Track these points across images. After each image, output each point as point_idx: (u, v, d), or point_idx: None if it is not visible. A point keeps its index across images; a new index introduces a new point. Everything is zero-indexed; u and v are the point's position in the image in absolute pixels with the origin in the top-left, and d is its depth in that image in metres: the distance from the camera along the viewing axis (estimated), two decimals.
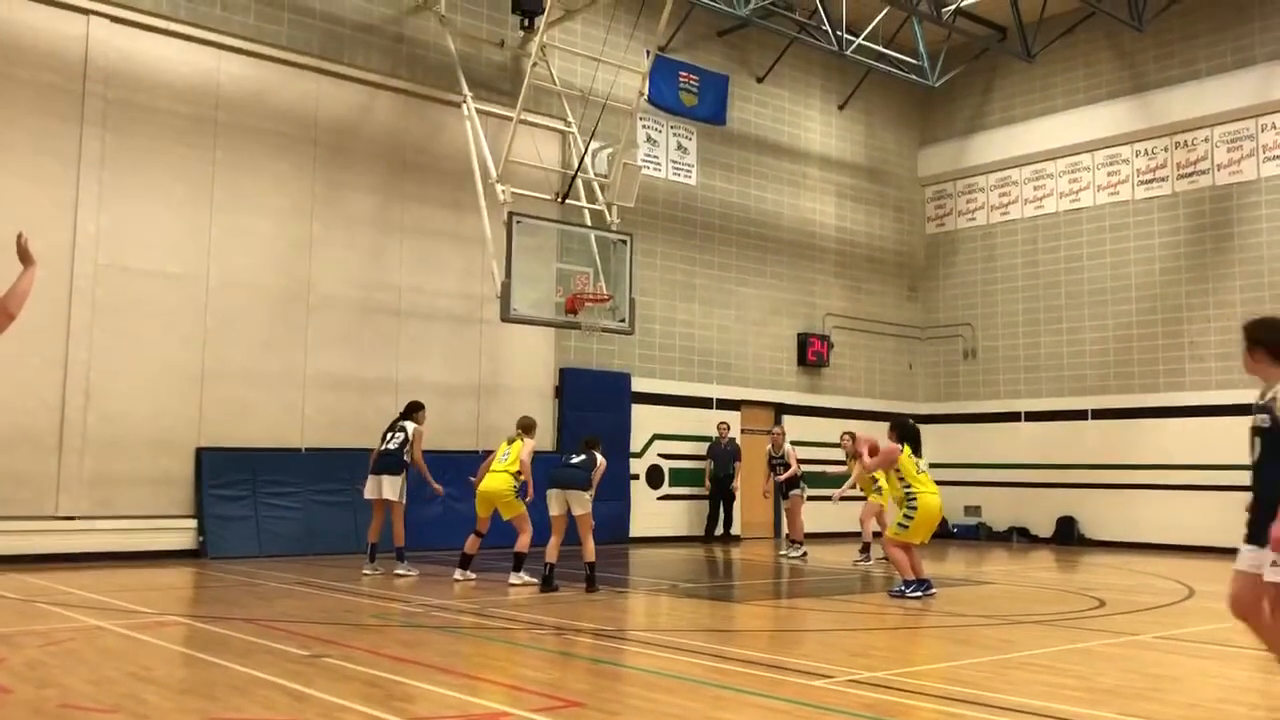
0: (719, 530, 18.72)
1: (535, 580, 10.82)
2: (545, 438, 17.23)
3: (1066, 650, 7.60)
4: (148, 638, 7.47)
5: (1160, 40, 19.66)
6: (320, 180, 15.38)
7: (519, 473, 11.36)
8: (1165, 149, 19.73)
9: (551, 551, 10.77)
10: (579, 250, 15.82)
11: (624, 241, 15.71)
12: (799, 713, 5.34)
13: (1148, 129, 19.85)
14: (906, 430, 10.98)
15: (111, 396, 13.39)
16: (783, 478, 16.03)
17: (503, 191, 15.01)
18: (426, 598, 10.05)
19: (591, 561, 10.74)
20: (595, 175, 16.54)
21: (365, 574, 11.85)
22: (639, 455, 18.29)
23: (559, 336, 17.35)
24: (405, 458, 12.32)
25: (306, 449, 14.93)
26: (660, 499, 18.62)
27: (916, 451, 10.85)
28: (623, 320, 15.57)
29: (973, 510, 21.58)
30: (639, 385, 18.35)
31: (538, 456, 11.87)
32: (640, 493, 18.18)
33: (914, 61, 21.40)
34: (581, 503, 10.64)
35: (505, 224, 14.53)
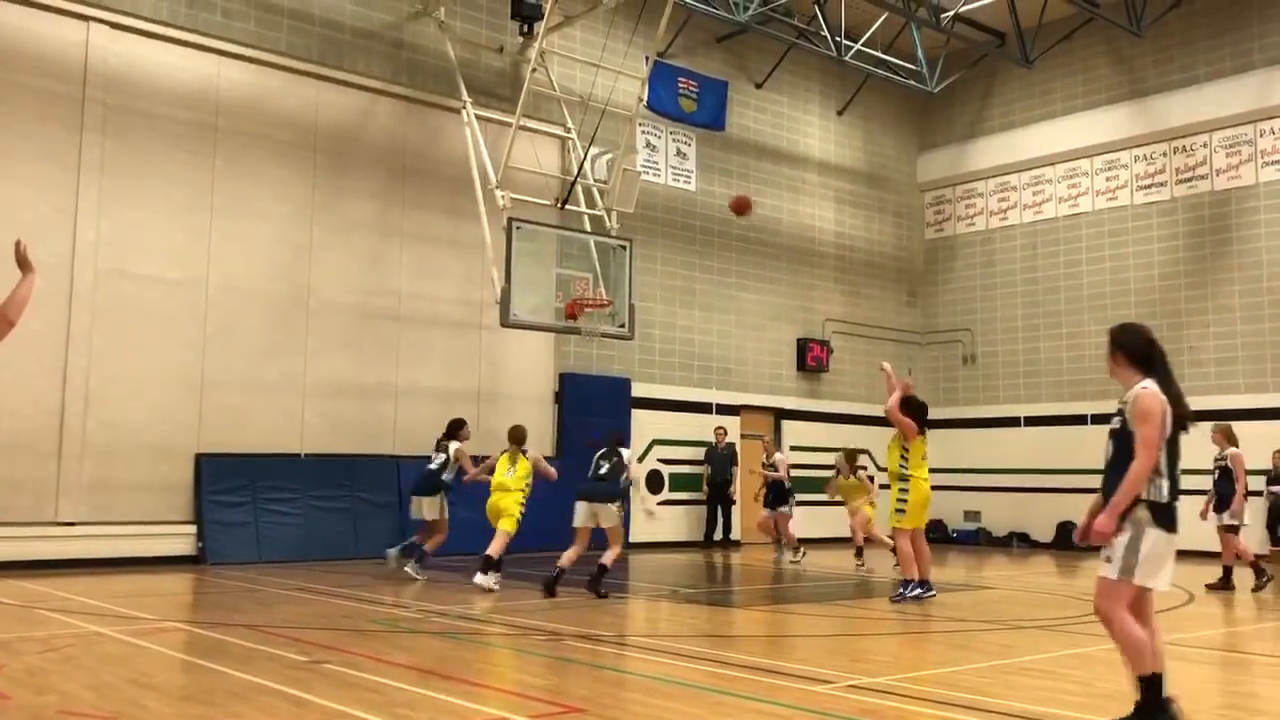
0: (718, 535, 18.72)
1: (496, 587, 10.91)
2: (544, 443, 17.24)
3: (1066, 655, 7.59)
4: (147, 644, 7.46)
5: (1159, 45, 19.69)
6: (320, 186, 15.39)
7: (525, 488, 11.54)
8: (1164, 154, 19.75)
9: (567, 559, 10.86)
10: (578, 256, 15.83)
11: (623, 247, 15.72)
12: (799, 718, 5.34)
13: (1147, 134, 19.88)
14: (921, 411, 11.10)
15: (111, 402, 13.39)
16: (765, 482, 16.22)
17: (502, 197, 15.02)
18: (426, 603, 10.05)
19: (606, 565, 10.81)
20: (595, 181, 16.55)
21: (413, 575, 12.00)
22: (639, 460, 18.29)
23: (559, 342, 17.35)
24: (446, 477, 12.40)
25: (306, 455, 14.92)
26: (660, 504, 18.61)
27: (924, 431, 11.13)
28: (622, 325, 15.58)
29: (972, 515, 21.57)
30: (639, 390, 18.35)
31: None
32: (639, 498, 18.17)
33: (913, 67, 21.43)
34: (609, 515, 10.89)
35: (505, 229, 14.54)
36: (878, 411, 21.71)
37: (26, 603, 9.64)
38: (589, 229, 16.04)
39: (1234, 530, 12.40)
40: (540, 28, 15.57)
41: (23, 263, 4.96)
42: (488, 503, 11.57)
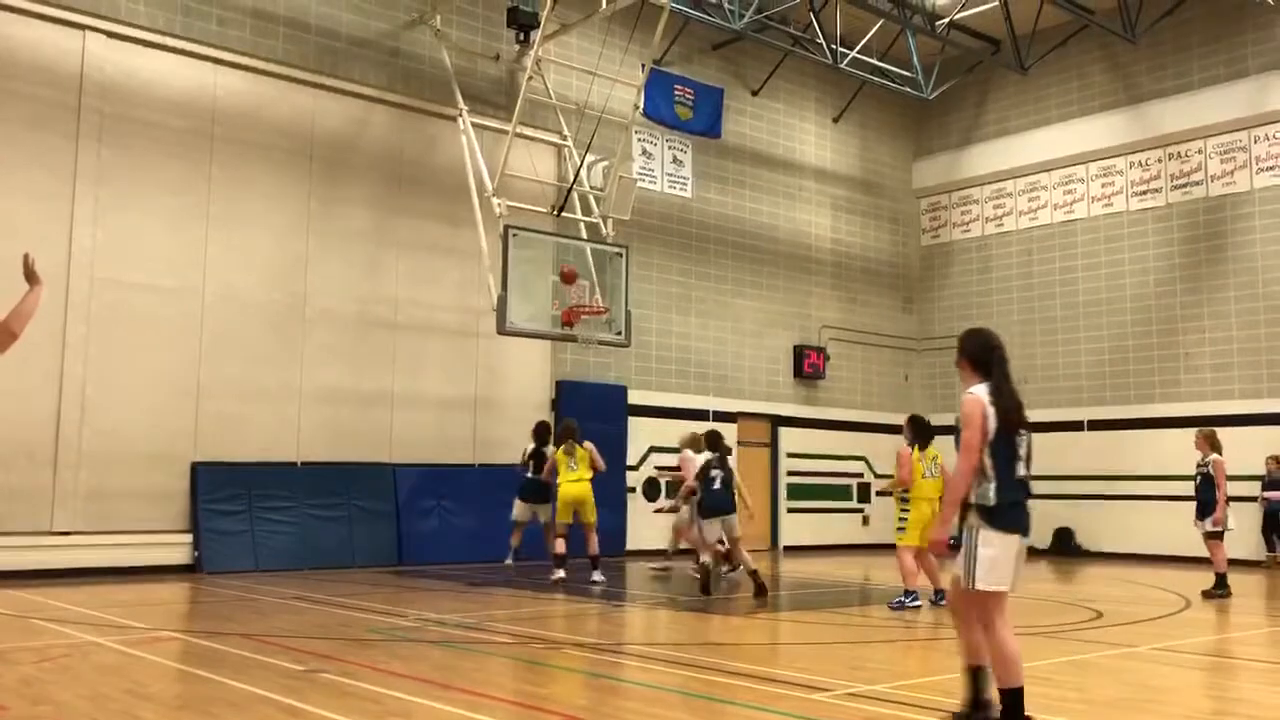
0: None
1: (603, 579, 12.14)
2: None
3: (1064, 662, 7.59)
4: (143, 654, 7.44)
5: (1153, 52, 19.74)
6: (316, 194, 15.39)
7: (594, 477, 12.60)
8: (1159, 160, 19.80)
9: (726, 560, 12.09)
10: (575, 263, 15.82)
11: (620, 254, 15.73)
12: None
13: (1141, 140, 19.93)
14: (921, 429, 11.10)
15: (107, 411, 13.36)
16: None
17: (499, 205, 15.03)
18: (424, 611, 10.03)
19: (755, 569, 11.49)
20: (591, 188, 16.56)
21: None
22: (635, 468, 18.27)
23: (555, 349, 17.35)
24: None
25: (303, 463, 14.90)
26: (657, 511, 18.57)
27: (926, 449, 10.98)
28: (619, 333, 15.57)
29: None
30: (635, 397, 18.34)
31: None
32: (637, 505, 18.15)
33: (908, 74, 21.47)
34: (735, 526, 11.56)
35: (501, 237, 14.55)
36: (874, 418, 21.83)
37: (22, 612, 9.61)
38: (585, 236, 16.04)
39: (1218, 536, 12.34)
40: (536, 36, 15.59)
41: (30, 275, 5.01)
42: (562, 499, 12.82)
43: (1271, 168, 18.45)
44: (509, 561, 14.25)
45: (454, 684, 6.44)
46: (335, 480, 15.00)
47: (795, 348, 20.91)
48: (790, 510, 20.48)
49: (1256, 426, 17.58)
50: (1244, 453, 17.42)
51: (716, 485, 11.37)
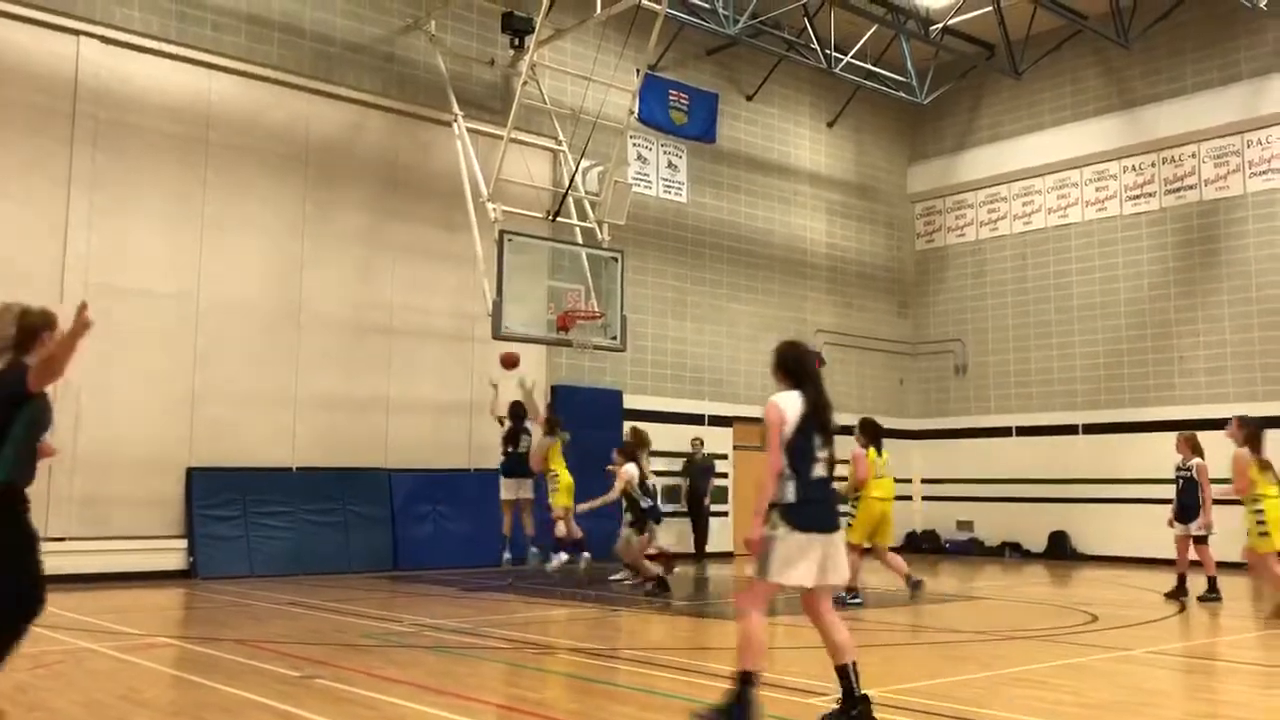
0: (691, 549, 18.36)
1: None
2: (536, 455, 17.18)
3: (1059, 666, 7.60)
4: (138, 659, 7.43)
5: (1147, 57, 19.80)
6: (311, 199, 15.39)
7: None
8: (1153, 165, 19.85)
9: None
10: (570, 268, 15.85)
11: (615, 259, 15.73)
12: None
13: (1135, 145, 19.98)
14: (875, 431, 11.43)
15: (102, 417, 13.34)
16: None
17: (494, 210, 15.02)
18: (419, 616, 10.02)
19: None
20: (586, 193, 16.57)
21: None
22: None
23: (551, 354, 17.35)
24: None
25: (298, 468, 14.89)
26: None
27: (880, 450, 11.39)
28: (614, 337, 15.57)
29: (965, 525, 21.59)
30: (631, 402, 18.34)
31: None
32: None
33: (902, 79, 21.52)
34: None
35: (496, 242, 14.54)
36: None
37: None
38: (581, 241, 16.05)
39: (1204, 540, 12.32)
40: (531, 41, 15.60)
41: (78, 328, 5.00)
42: (566, 485, 13.41)
43: (1264, 172, 18.50)
44: (507, 556, 14.06)
45: (449, 689, 6.44)
46: (330, 485, 14.98)
47: None
48: None
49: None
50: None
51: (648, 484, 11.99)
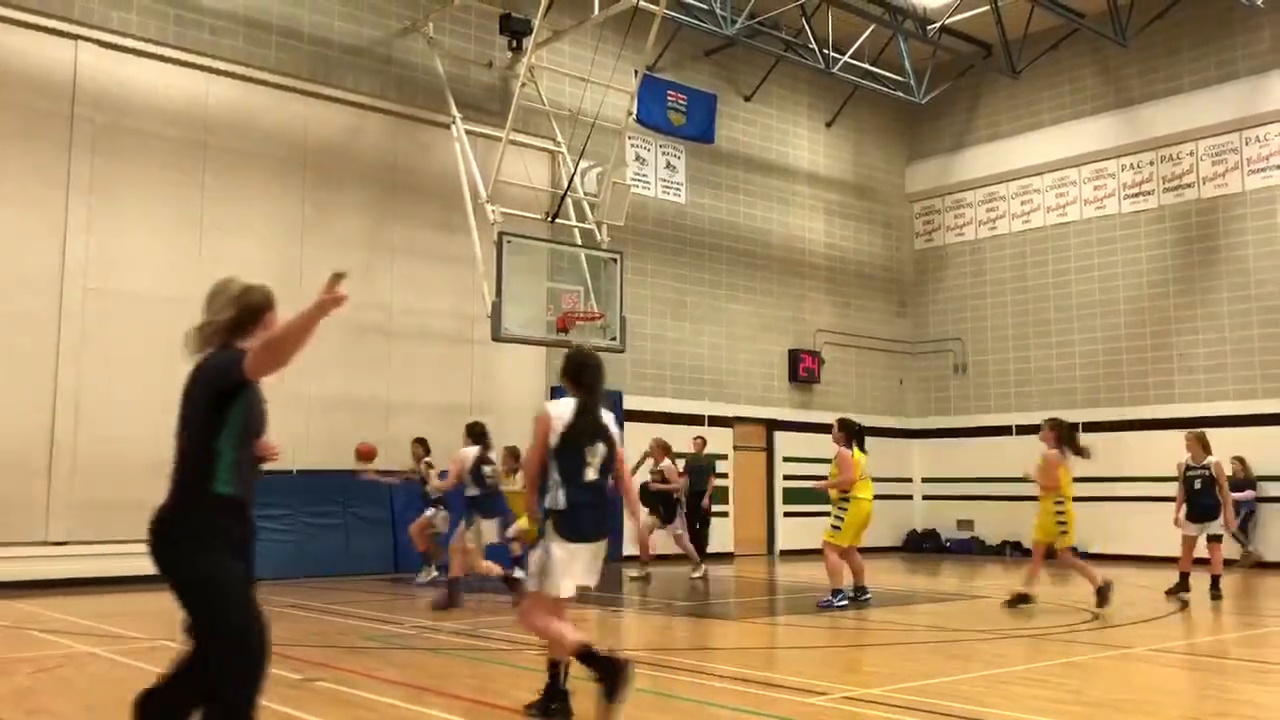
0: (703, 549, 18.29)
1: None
2: None
3: (1060, 664, 7.60)
4: (139, 663, 7.43)
5: (1144, 55, 19.81)
6: (310, 202, 15.40)
7: None
8: (1151, 163, 19.86)
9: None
10: (569, 269, 15.85)
11: (614, 260, 15.74)
12: None
13: (1133, 143, 19.98)
14: (857, 431, 11.47)
15: (101, 420, 13.34)
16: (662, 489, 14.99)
17: (493, 211, 15.04)
18: (420, 619, 10.02)
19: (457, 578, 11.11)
20: (585, 194, 16.58)
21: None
22: (630, 474, 18.22)
23: (550, 355, 17.33)
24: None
25: (298, 471, 14.88)
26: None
27: (863, 450, 11.42)
28: (614, 338, 15.58)
29: (965, 524, 21.59)
30: (630, 403, 18.33)
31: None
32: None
33: (900, 78, 21.52)
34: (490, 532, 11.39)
35: (495, 244, 14.56)
36: (869, 422, 21.67)
37: (17, 623, 9.59)
38: (579, 243, 16.06)
39: (1219, 540, 12.28)
40: (529, 43, 15.62)
41: (328, 301, 3.92)
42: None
43: (1262, 169, 18.51)
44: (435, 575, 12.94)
45: (450, 691, 6.44)
46: (331, 488, 14.98)
47: (790, 352, 20.93)
48: (786, 514, 20.49)
49: (1250, 427, 17.63)
50: (1239, 453, 17.47)
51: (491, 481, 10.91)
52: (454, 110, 16.16)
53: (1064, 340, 20.70)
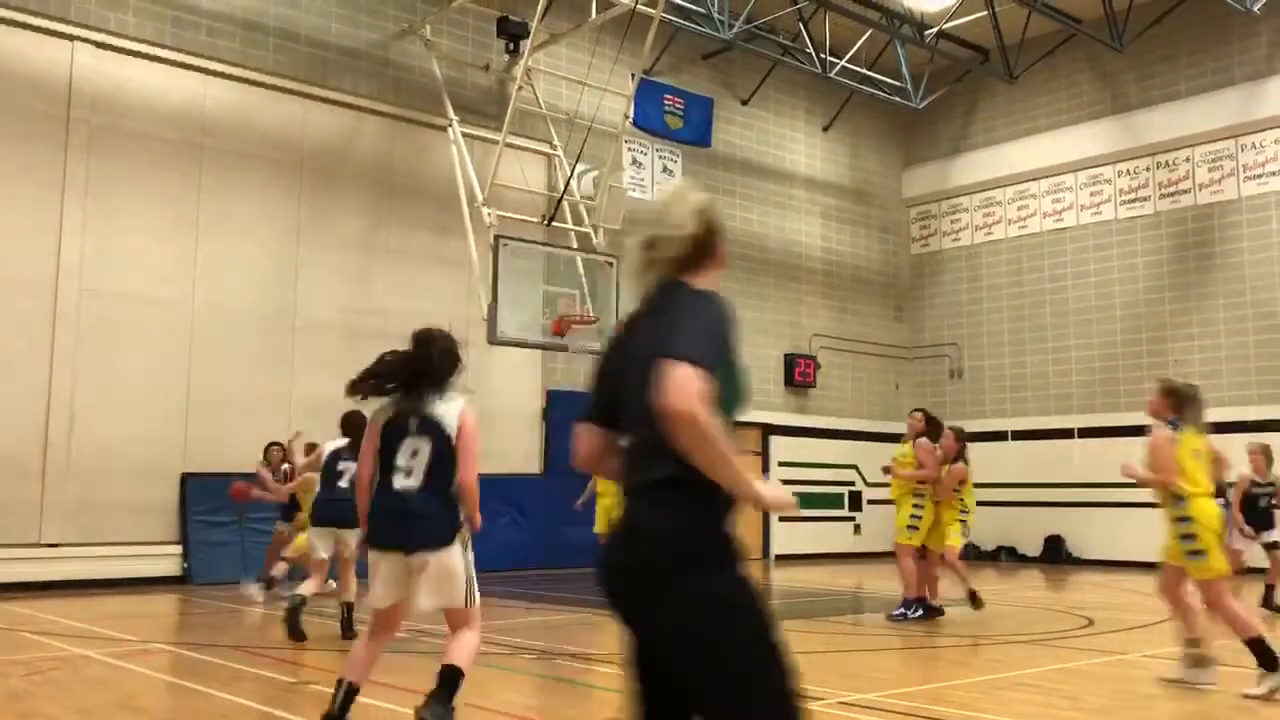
0: None
1: None
2: (532, 461, 17.23)
3: (1056, 670, 7.60)
4: (133, 666, 7.40)
5: (1140, 61, 19.84)
6: (306, 204, 15.38)
7: None
8: (1147, 169, 19.89)
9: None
10: (565, 273, 15.82)
11: (610, 264, 15.73)
12: None
13: (1129, 149, 20.01)
14: (939, 424, 11.18)
15: (96, 422, 13.30)
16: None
17: (489, 214, 15.02)
18: (414, 622, 9.98)
19: (351, 602, 8.95)
20: (581, 198, 16.57)
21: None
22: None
23: (546, 359, 17.33)
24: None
25: None
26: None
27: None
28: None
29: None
30: None
31: None
32: None
33: (897, 83, 21.55)
34: (351, 543, 8.84)
35: (491, 247, 14.54)
36: (865, 427, 21.82)
37: (10, 626, 9.55)
38: (576, 246, 16.05)
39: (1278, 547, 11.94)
40: (526, 46, 15.62)
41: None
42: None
43: (1258, 176, 18.54)
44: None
45: None
46: None
47: (786, 356, 20.93)
48: (782, 519, 20.47)
49: (1246, 434, 17.61)
50: (1234, 459, 17.47)
51: (344, 483, 8.70)
52: (451, 113, 16.15)
53: (1060, 346, 20.72)
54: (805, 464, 19.74)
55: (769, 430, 20.50)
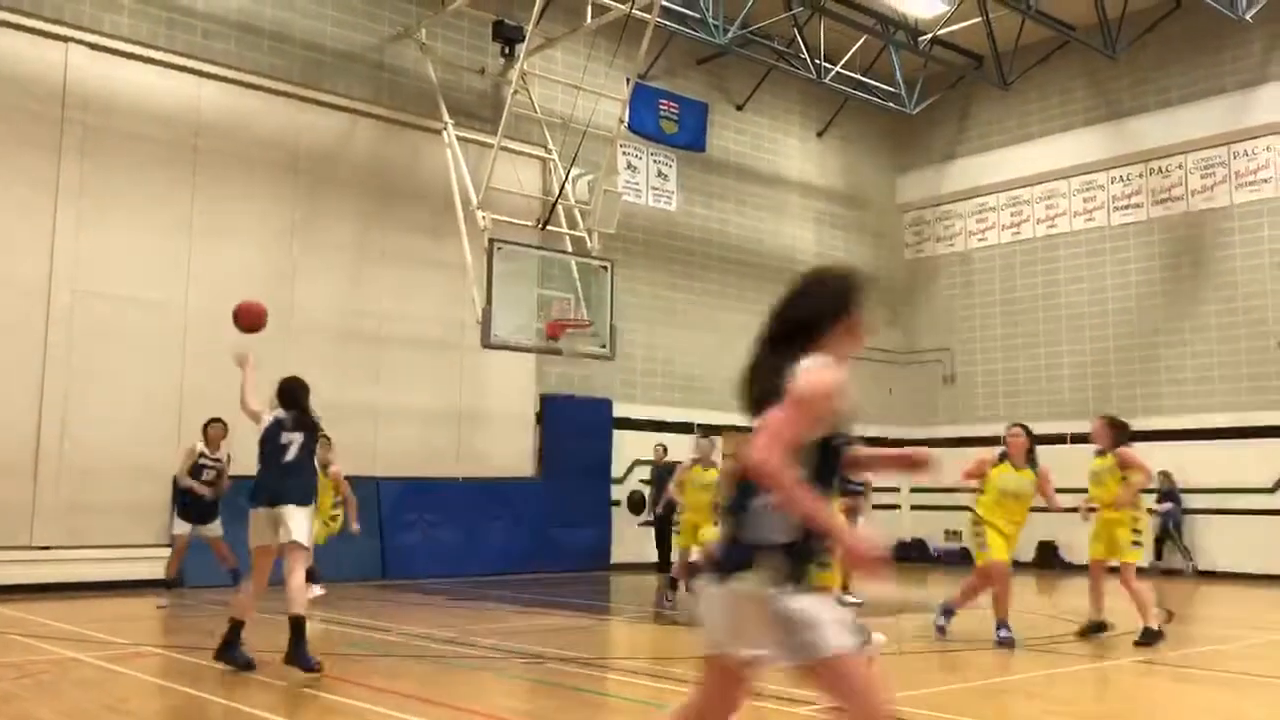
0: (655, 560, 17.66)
1: None
2: (526, 464, 17.21)
3: (1050, 675, 7.60)
4: (124, 669, 7.37)
5: (1134, 68, 19.90)
6: (300, 207, 15.35)
7: None
8: (1140, 175, 19.94)
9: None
10: (560, 276, 15.82)
11: (605, 268, 15.73)
12: None
13: (1122, 156, 20.07)
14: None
15: (88, 425, 13.26)
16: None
17: (483, 218, 15.02)
18: (408, 626, 9.97)
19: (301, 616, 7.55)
20: (576, 202, 16.56)
21: None
22: (620, 481, 18.22)
23: (540, 362, 17.32)
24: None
25: None
26: (642, 525, 18.53)
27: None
28: (604, 346, 15.56)
29: (954, 535, 21.57)
30: (620, 411, 18.32)
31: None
32: (622, 519, 18.09)
33: (891, 89, 21.58)
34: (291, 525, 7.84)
35: (486, 250, 14.53)
36: (859, 431, 21.77)
37: (1, 628, 9.51)
38: (570, 250, 16.04)
39: None
40: (521, 50, 15.62)
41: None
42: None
43: (1250, 183, 18.60)
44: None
45: (437, 699, 6.41)
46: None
47: None
48: None
49: (1238, 440, 17.68)
50: (1229, 465, 17.54)
51: (289, 457, 7.91)
52: (446, 116, 16.15)
53: (1052, 351, 20.76)
54: None
55: None
